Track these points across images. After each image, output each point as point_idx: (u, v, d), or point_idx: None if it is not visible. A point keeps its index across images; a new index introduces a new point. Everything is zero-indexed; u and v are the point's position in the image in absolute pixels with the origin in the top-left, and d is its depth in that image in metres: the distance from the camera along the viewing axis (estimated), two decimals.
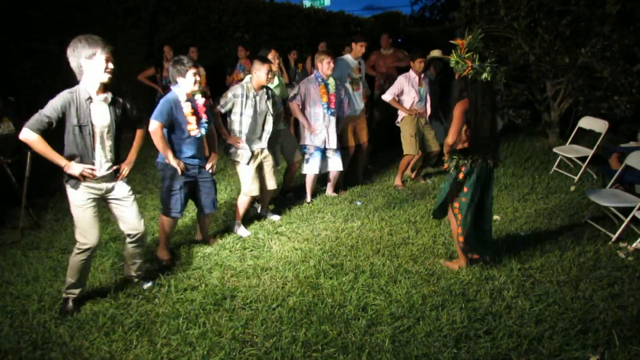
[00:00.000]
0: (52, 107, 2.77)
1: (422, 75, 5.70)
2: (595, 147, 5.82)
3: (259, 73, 4.19)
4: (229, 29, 9.56)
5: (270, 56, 4.77)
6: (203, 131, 3.71)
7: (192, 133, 3.63)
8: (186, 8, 8.85)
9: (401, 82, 5.65)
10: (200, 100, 3.70)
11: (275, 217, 4.78)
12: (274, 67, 4.83)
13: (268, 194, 4.73)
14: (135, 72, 7.51)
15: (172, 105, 3.55)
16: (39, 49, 6.42)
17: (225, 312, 3.09)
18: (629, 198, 4.23)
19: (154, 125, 3.49)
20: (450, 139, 3.35)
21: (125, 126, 3.14)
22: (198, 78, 3.59)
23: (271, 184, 4.57)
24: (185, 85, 3.57)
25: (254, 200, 4.96)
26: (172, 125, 3.59)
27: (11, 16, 6.39)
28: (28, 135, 2.75)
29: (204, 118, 3.72)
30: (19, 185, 4.45)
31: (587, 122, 6.23)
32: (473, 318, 3.01)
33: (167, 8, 8.60)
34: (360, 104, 5.62)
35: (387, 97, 5.69)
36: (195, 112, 3.65)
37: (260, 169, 4.47)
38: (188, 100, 3.61)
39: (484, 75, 3.26)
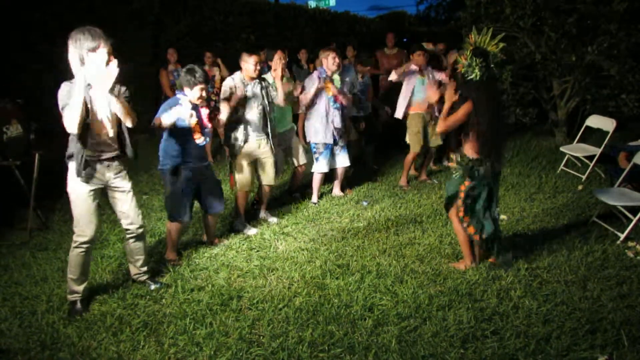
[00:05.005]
0: (63, 99, 2.80)
1: (423, 67, 5.70)
2: (603, 145, 5.78)
3: (247, 65, 4.23)
4: (235, 30, 9.59)
5: (275, 57, 4.78)
6: (208, 139, 3.75)
7: (198, 141, 3.65)
8: (191, 9, 8.88)
9: (408, 77, 5.65)
10: (203, 110, 3.72)
11: (273, 220, 4.77)
12: (280, 70, 4.83)
13: (265, 194, 4.73)
14: (141, 75, 7.53)
15: (170, 109, 3.55)
16: (47, 51, 6.46)
17: (232, 313, 3.10)
18: (637, 197, 4.20)
19: (157, 122, 3.49)
20: (440, 127, 3.46)
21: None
22: (204, 94, 3.62)
23: (268, 179, 4.58)
24: (190, 96, 3.60)
25: (254, 202, 4.98)
26: (173, 131, 3.60)
27: (18, 19, 6.44)
28: (67, 125, 2.77)
29: (209, 126, 3.75)
30: (28, 187, 4.49)
31: (595, 121, 6.19)
32: (480, 318, 3.00)
33: (173, 9, 8.63)
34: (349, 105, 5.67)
35: (392, 76, 5.69)
36: (199, 121, 3.66)
37: (258, 163, 4.49)
38: (192, 108, 3.61)
39: (474, 74, 3.24)
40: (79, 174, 2.96)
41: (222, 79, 6.83)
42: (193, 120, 3.55)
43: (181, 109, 3.48)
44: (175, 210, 3.76)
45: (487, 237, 3.46)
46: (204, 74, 3.60)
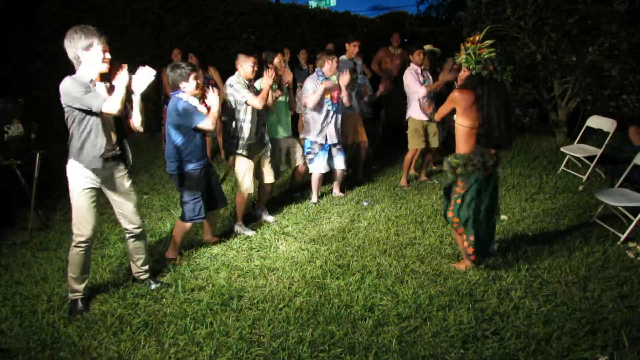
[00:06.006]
0: (82, 89, 2.79)
1: (423, 67, 5.70)
2: (604, 146, 5.78)
3: (245, 66, 4.21)
4: (235, 30, 9.59)
5: (276, 60, 4.77)
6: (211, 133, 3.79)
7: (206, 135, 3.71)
8: (192, 9, 8.89)
9: (411, 74, 5.63)
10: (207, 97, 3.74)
11: (270, 218, 4.77)
12: (281, 71, 4.84)
13: (265, 193, 4.73)
14: None
15: (193, 107, 3.58)
16: (47, 51, 6.47)
17: (233, 312, 3.11)
18: (637, 197, 4.19)
19: (209, 125, 3.60)
20: (437, 115, 3.64)
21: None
22: (199, 81, 3.64)
23: (269, 178, 4.59)
24: (189, 89, 3.59)
25: (255, 202, 4.98)
26: (180, 132, 3.60)
27: (19, 18, 6.45)
28: (112, 107, 2.80)
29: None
30: (29, 187, 4.49)
31: (595, 121, 6.19)
32: (480, 318, 3.00)
33: (174, 9, 8.63)
34: (353, 103, 5.63)
35: (422, 91, 5.56)
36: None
37: (257, 164, 4.49)
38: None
39: (482, 67, 3.27)
40: (90, 165, 2.94)
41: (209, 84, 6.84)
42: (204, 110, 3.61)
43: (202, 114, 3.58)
44: (196, 210, 3.75)
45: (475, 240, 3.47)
46: (192, 65, 3.65)
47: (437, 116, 3.64)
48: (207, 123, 3.57)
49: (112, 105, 2.80)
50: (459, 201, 3.42)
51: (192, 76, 3.57)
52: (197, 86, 3.61)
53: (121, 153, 3.14)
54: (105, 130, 2.96)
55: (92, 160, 2.94)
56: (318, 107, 4.99)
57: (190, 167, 3.69)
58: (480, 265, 3.59)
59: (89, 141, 2.92)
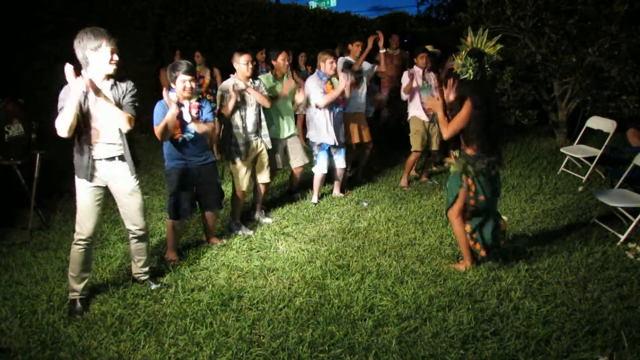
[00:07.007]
0: (61, 100, 2.84)
1: (426, 70, 5.73)
2: (603, 147, 5.79)
3: (239, 65, 4.23)
4: (236, 30, 9.60)
5: (280, 58, 4.77)
6: (191, 135, 3.68)
7: (179, 138, 3.66)
8: (193, 9, 8.90)
9: (405, 78, 5.69)
10: (193, 104, 3.70)
11: (268, 220, 4.76)
12: (283, 70, 4.84)
13: (261, 194, 4.72)
14: (141, 74, 7.54)
15: (164, 108, 3.59)
16: (47, 51, 6.48)
17: (232, 313, 3.11)
18: (637, 198, 4.19)
19: (156, 132, 3.57)
20: (446, 133, 3.38)
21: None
22: (188, 85, 3.58)
23: (264, 178, 4.58)
24: (177, 90, 3.61)
25: (253, 204, 4.98)
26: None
27: (20, 18, 6.44)
28: (58, 129, 2.77)
29: (191, 123, 3.68)
30: (28, 187, 4.49)
31: (595, 122, 6.20)
32: (480, 319, 3.00)
33: (174, 9, 8.64)
34: (360, 101, 5.61)
35: (404, 96, 5.75)
36: (180, 116, 3.63)
37: (254, 163, 4.49)
38: (178, 103, 3.59)
39: (468, 74, 3.25)
40: (79, 174, 2.99)
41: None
42: (169, 116, 3.50)
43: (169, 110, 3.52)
44: (172, 207, 3.80)
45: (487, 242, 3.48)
46: (187, 66, 3.57)
47: (448, 132, 3.36)
48: (156, 130, 3.53)
49: (57, 125, 2.77)
50: (472, 202, 3.43)
51: (179, 79, 3.56)
52: (184, 89, 3.58)
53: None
54: (91, 135, 2.96)
55: (81, 167, 2.98)
56: (319, 109, 4.98)
57: (169, 166, 3.76)
58: (491, 258, 3.60)
59: (78, 150, 2.97)
